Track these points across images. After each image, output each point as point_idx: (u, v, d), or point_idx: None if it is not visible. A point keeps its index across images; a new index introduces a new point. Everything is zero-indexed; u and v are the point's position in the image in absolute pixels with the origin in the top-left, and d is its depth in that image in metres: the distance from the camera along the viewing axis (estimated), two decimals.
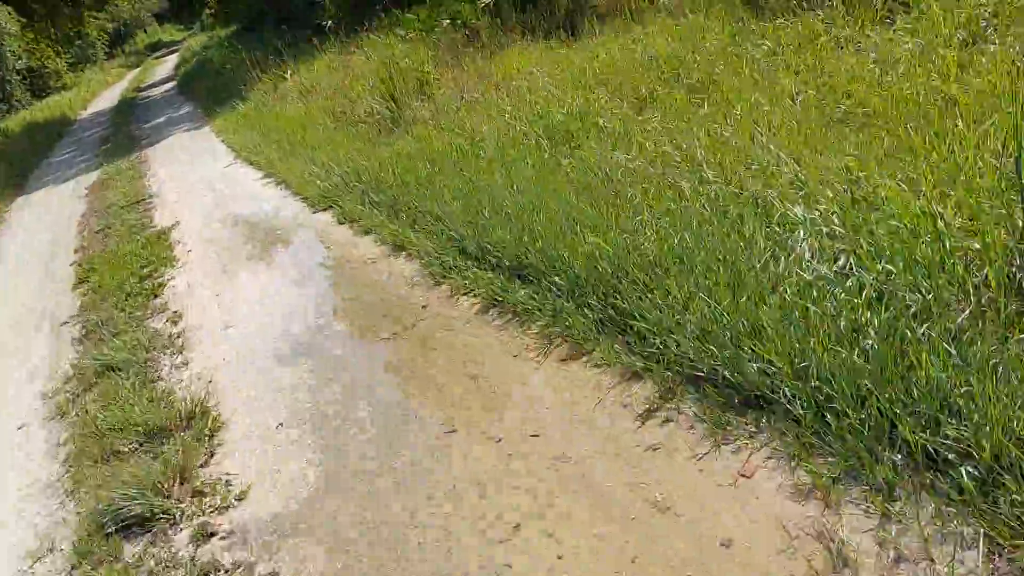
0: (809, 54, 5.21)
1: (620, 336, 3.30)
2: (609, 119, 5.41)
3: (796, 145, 3.93)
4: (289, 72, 13.18)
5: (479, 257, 4.53)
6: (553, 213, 4.31)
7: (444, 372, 3.67)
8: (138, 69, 37.57)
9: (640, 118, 5.30)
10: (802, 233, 3.16)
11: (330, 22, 15.81)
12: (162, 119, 16.05)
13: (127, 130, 15.94)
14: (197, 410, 3.98)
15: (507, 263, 4.26)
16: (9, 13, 28.85)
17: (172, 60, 35.63)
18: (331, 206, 6.64)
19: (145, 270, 6.65)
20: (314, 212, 6.77)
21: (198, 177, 9.67)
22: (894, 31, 5.16)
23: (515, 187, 4.92)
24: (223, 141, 11.36)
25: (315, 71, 12.37)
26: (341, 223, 6.26)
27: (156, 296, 5.99)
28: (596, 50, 7.27)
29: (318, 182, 7.14)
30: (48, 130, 19.89)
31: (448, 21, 10.94)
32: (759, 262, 3.08)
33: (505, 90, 7.24)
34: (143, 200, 9.27)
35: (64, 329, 6.00)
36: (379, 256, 5.38)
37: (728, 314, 2.90)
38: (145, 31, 65.13)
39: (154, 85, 25.42)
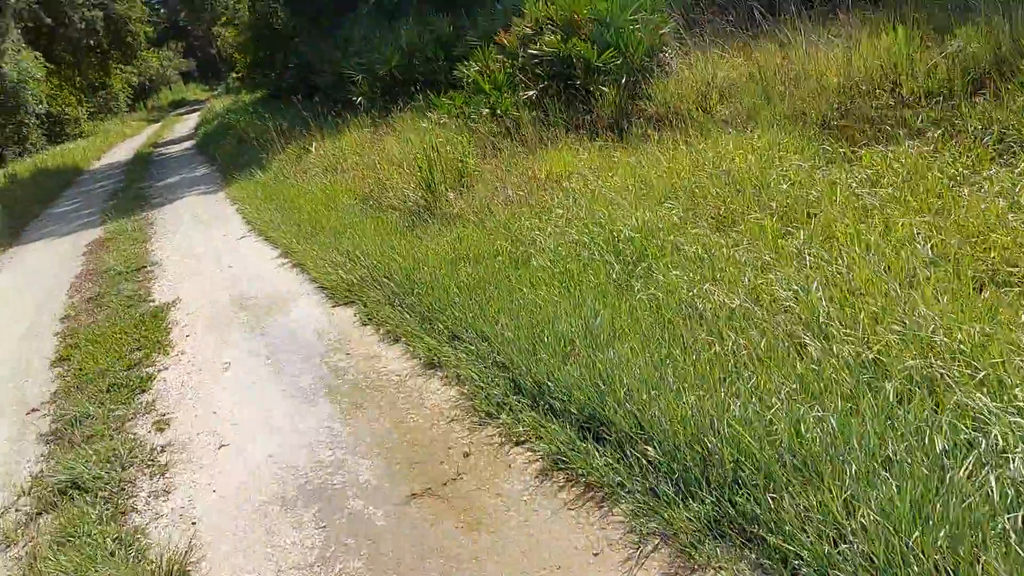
0: (922, 191, 4.57)
1: (746, 549, 2.50)
2: (686, 239, 4.73)
3: (947, 305, 3.22)
4: (314, 145, 12.70)
5: (536, 395, 3.76)
6: (634, 352, 3.58)
7: (496, 562, 2.84)
8: (158, 124, 37.66)
9: (723, 242, 4.62)
10: (997, 434, 2.40)
11: (361, 99, 15.51)
12: (176, 178, 15.55)
13: (138, 186, 15.41)
14: (175, 570, 3.13)
15: (574, 411, 3.49)
16: (36, 57, 28.92)
17: (193, 119, 35.71)
18: (354, 302, 5.92)
19: (135, 354, 5.86)
20: (334, 306, 6.03)
21: (207, 247, 9.00)
22: (1019, 174, 4.54)
23: (580, 311, 4.19)
24: (238, 210, 10.75)
25: (342, 148, 11.87)
26: (365, 324, 5.52)
27: (143, 391, 5.19)
28: (656, 157, 6.68)
29: (341, 272, 6.44)
30: (58, 178, 19.43)
31: (487, 110, 10.50)
32: (948, 474, 2.31)
33: (554, 191, 6.62)
34: (144, 268, 8.56)
35: (32, 419, 5.17)
36: (409, 373, 4.61)
37: (924, 554, 2.11)
38: (170, 88, 66.19)
39: (172, 142, 25.18)
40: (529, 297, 4.60)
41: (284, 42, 26.82)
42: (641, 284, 4.34)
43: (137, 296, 7.46)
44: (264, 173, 12.51)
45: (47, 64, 30.64)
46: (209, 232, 9.87)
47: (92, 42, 34.56)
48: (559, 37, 10.20)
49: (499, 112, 10.47)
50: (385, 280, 5.92)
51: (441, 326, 4.89)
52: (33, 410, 5.34)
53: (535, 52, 10.86)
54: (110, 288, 7.90)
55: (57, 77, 33.63)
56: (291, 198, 9.95)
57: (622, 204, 5.71)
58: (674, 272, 4.31)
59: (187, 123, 34.28)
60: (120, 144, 29.63)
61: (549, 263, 5.04)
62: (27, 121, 28.44)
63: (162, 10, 57.87)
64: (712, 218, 5.11)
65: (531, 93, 10.55)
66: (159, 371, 5.49)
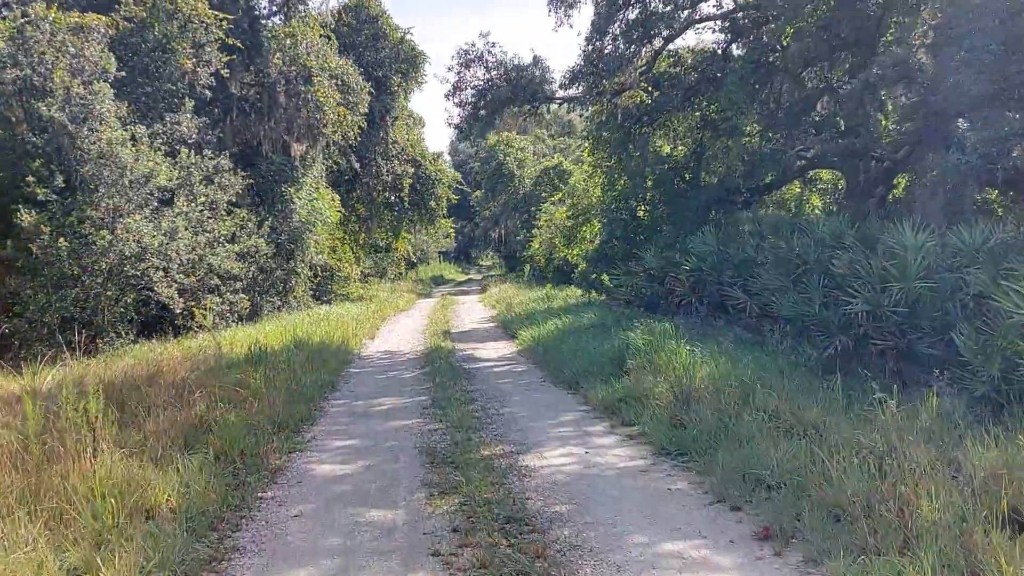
0: None
1: None
2: None
3: None
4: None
5: None
6: None
7: None
8: (432, 301, 31.73)
9: None
10: None
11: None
12: (569, 462, 7.01)
13: (480, 452, 7.19)
14: None
15: None
16: (333, 199, 23.89)
17: (473, 303, 29.40)
18: None
19: None
20: None
21: None
22: None
23: None
24: None
25: None
26: None
27: None
28: None
29: None
30: (316, 366, 12.06)
31: None
32: None
33: None
34: None
35: None
36: None
37: None
38: (428, 263, 64.50)
39: (471, 336, 17.77)
40: None
41: (648, 234, 19.52)
42: None
43: None
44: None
45: (340, 210, 25.74)
46: None
47: (393, 198, 29.89)
48: None
49: None
50: None
51: None
52: None
53: None
54: None
55: (343, 229, 29.00)
56: None
57: None
58: None
59: (468, 307, 27.76)
60: (395, 319, 23.13)
61: None
62: (298, 270, 22.89)
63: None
64: None
65: None
66: None
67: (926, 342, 8.26)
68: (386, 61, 28.22)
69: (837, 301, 9.71)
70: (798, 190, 20.82)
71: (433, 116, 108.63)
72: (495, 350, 14.96)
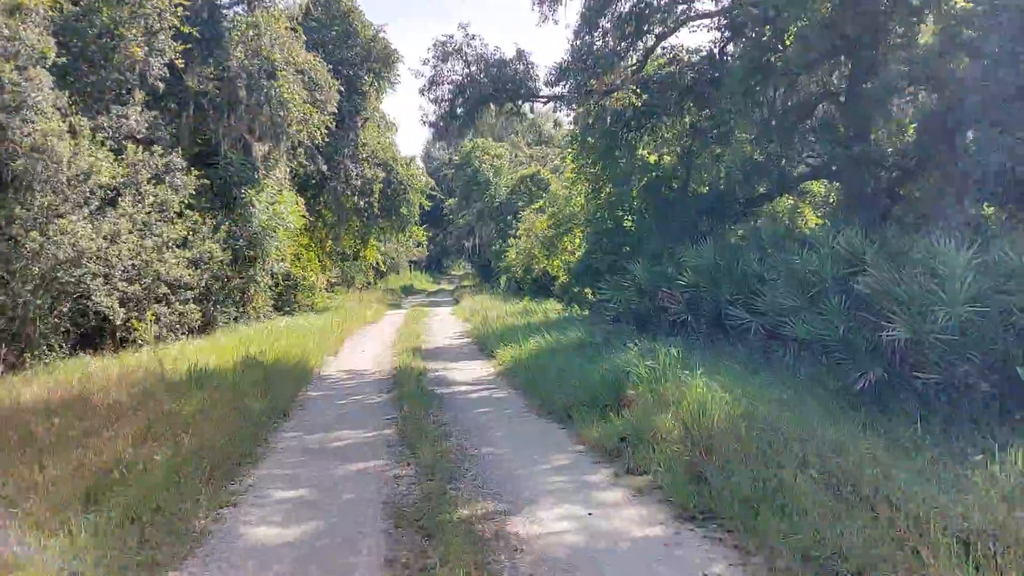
0: None
1: None
2: None
3: None
4: None
5: None
6: None
7: None
8: (401, 313, 30.18)
9: None
10: None
11: None
12: (563, 517, 5.72)
13: (444, 499, 5.86)
14: None
15: None
16: (297, 203, 22.36)
17: (445, 315, 28.01)
18: None
19: None
20: None
21: None
22: None
23: None
24: None
25: None
26: None
27: None
28: None
29: None
30: (268, 388, 10.62)
31: None
32: None
33: None
34: None
35: None
36: None
37: None
38: (398, 273, 63.09)
39: (445, 354, 16.32)
40: None
41: (635, 246, 18.29)
42: None
43: None
44: None
45: (305, 215, 24.18)
46: None
47: (363, 203, 28.39)
48: None
49: None
50: None
51: None
52: None
53: None
54: None
55: (308, 235, 27.42)
56: None
57: None
58: None
59: (440, 320, 26.33)
60: (361, 332, 21.63)
61: None
62: (258, 279, 21.31)
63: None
64: None
65: None
66: None
67: (979, 376, 7.07)
68: (357, 59, 26.80)
69: (864, 324, 8.54)
70: (791, 202, 19.78)
71: (406, 120, 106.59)
72: (471, 371, 13.57)
